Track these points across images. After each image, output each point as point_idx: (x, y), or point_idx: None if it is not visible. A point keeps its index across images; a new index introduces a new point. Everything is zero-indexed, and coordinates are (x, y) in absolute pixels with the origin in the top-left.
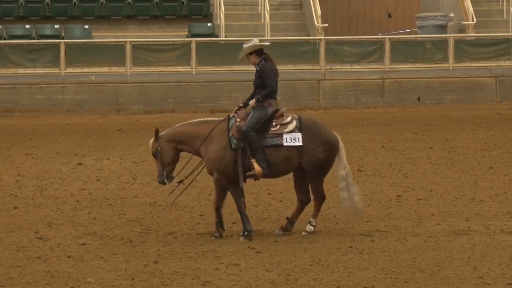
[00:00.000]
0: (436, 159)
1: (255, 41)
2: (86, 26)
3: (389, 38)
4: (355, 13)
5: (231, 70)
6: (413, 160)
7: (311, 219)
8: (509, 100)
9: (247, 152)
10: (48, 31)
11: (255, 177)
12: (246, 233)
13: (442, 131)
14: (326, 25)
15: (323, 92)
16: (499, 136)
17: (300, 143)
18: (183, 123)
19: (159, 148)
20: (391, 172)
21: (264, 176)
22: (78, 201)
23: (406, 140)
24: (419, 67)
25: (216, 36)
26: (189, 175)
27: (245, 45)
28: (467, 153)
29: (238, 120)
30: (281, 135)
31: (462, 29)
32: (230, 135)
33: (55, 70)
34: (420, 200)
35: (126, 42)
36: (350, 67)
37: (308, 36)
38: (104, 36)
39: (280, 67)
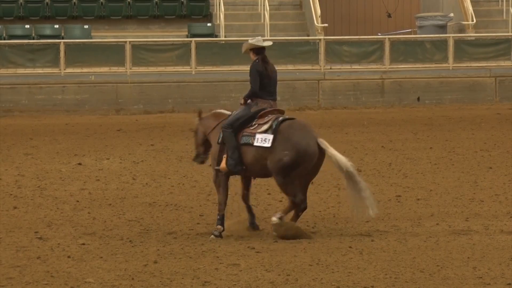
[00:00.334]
0: (436, 159)
1: (257, 39)
2: (86, 26)
3: (389, 38)
4: (355, 13)
5: (230, 70)
6: (413, 160)
7: (278, 212)
8: (509, 100)
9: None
10: (47, 31)
11: (228, 173)
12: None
13: (442, 131)
14: (326, 25)
15: (322, 92)
16: (499, 136)
17: (269, 145)
18: (218, 111)
19: (195, 129)
20: (391, 172)
21: (233, 173)
22: (77, 201)
23: (405, 140)
24: (419, 67)
25: (216, 36)
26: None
27: (249, 41)
28: (467, 153)
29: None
30: (254, 134)
31: (462, 29)
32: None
33: (55, 70)
34: (420, 200)
35: (126, 42)
36: (350, 67)
37: (308, 36)
38: (104, 36)
39: (280, 67)
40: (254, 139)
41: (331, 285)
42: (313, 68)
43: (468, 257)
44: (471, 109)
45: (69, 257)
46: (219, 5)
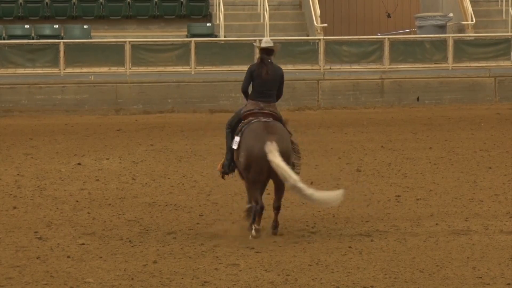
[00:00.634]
0: (436, 159)
1: (265, 40)
2: (86, 26)
3: (389, 38)
4: (354, 13)
5: (230, 70)
6: (413, 160)
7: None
8: (509, 100)
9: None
10: (47, 31)
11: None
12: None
13: (442, 131)
14: (326, 25)
15: (322, 92)
16: (499, 136)
17: (235, 147)
18: None
19: None
20: (390, 172)
21: (225, 173)
22: (77, 201)
23: (405, 140)
24: (419, 67)
25: (216, 36)
26: None
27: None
28: (466, 153)
29: None
30: (235, 137)
31: (461, 29)
32: None
33: (55, 70)
34: (419, 200)
35: (125, 42)
36: (349, 67)
37: (308, 36)
38: (104, 36)
39: None
40: (233, 141)
41: (331, 285)
42: (313, 68)
43: (468, 257)
44: (471, 109)
45: (68, 257)
46: (219, 5)
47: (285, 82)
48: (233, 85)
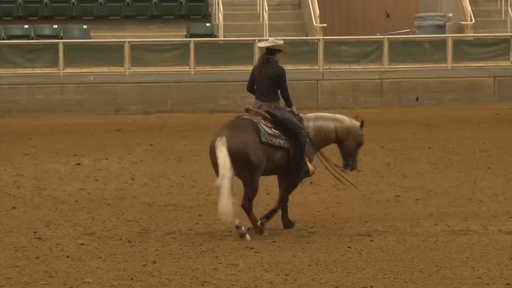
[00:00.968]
0: (435, 159)
1: (270, 40)
2: (85, 26)
3: (388, 38)
4: (353, 13)
5: (230, 70)
6: (412, 160)
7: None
8: (508, 100)
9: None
10: (46, 31)
11: None
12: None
13: (441, 131)
14: (325, 25)
15: (321, 92)
16: (498, 136)
17: None
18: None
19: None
20: (390, 172)
21: None
22: (76, 201)
23: (404, 140)
24: (418, 67)
25: (215, 36)
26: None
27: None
28: (466, 153)
29: None
30: None
31: (460, 29)
32: None
33: (54, 70)
34: (419, 200)
35: (124, 42)
36: (348, 67)
37: (307, 36)
38: (103, 36)
39: None
40: None
41: (330, 285)
42: (312, 68)
43: (467, 257)
44: (470, 109)
45: (68, 257)
46: (218, 5)
47: None
48: (232, 85)
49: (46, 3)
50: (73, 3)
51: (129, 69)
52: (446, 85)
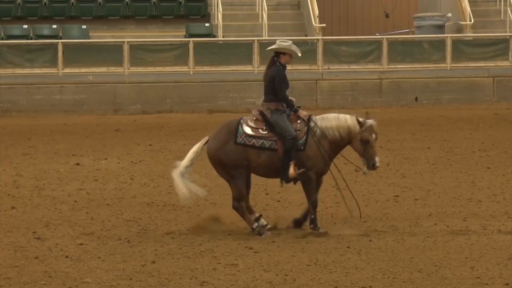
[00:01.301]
0: (434, 159)
1: (277, 42)
2: (84, 26)
3: (387, 38)
4: (352, 13)
5: (229, 70)
6: (411, 160)
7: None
8: (507, 100)
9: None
10: (45, 31)
11: None
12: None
13: (440, 131)
14: (324, 25)
15: (320, 92)
16: (497, 136)
17: None
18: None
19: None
20: (389, 172)
21: None
22: (75, 201)
23: (403, 140)
24: (417, 67)
25: (214, 36)
26: None
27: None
28: (465, 153)
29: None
30: None
31: (459, 29)
32: None
33: (53, 70)
34: (418, 200)
35: (124, 42)
36: (347, 67)
37: (306, 36)
38: (102, 36)
39: None
40: None
41: (329, 285)
42: (311, 68)
43: (466, 257)
44: (469, 109)
45: (67, 257)
46: (217, 5)
47: None
48: (231, 85)
49: (45, 3)
50: (72, 3)
51: (128, 69)
52: (445, 85)
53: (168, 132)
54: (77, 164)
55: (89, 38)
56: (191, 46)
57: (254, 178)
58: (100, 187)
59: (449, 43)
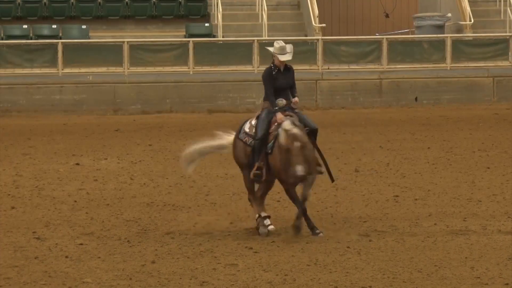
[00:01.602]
0: (434, 159)
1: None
2: (84, 26)
3: (387, 38)
4: (352, 13)
5: (228, 70)
6: (411, 160)
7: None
8: (507, 100)
9: None
10: (45, 31)
11: None
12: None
13: (440, 131)
14: (324, 25)
15: (320, 92)
16: (497, 136)
17: None
18: None
19: None
20: (389, 172)
21: None
22: (75, 201)
23: (403, 140)
24: (417, 67)
25: (214, 36)
26: None
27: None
28: (464, 153)
29: None
30: None
31: (459, 29)
32: None
33: (53, 70)
34: (418, 200)
35: (123, 42)
36: (347, 67)
37: (306, 36)
38: (102, 36)
39: None
40: None
41: (329, 285)
42: (311, 68)
43: (466, 257)
44: (469, 109)
45: (67, 257)
46: (217, 5)
47: None
48: (231, 85)
49: (45, 3)
50: (72, 3)
51: (128, 69)
52: (445, 85)
53: (168, 132)
54: (77, 164)
55: (89, 38)
56: (191, 46)
57: None
58: (100, 187)
59: (449, 43)
